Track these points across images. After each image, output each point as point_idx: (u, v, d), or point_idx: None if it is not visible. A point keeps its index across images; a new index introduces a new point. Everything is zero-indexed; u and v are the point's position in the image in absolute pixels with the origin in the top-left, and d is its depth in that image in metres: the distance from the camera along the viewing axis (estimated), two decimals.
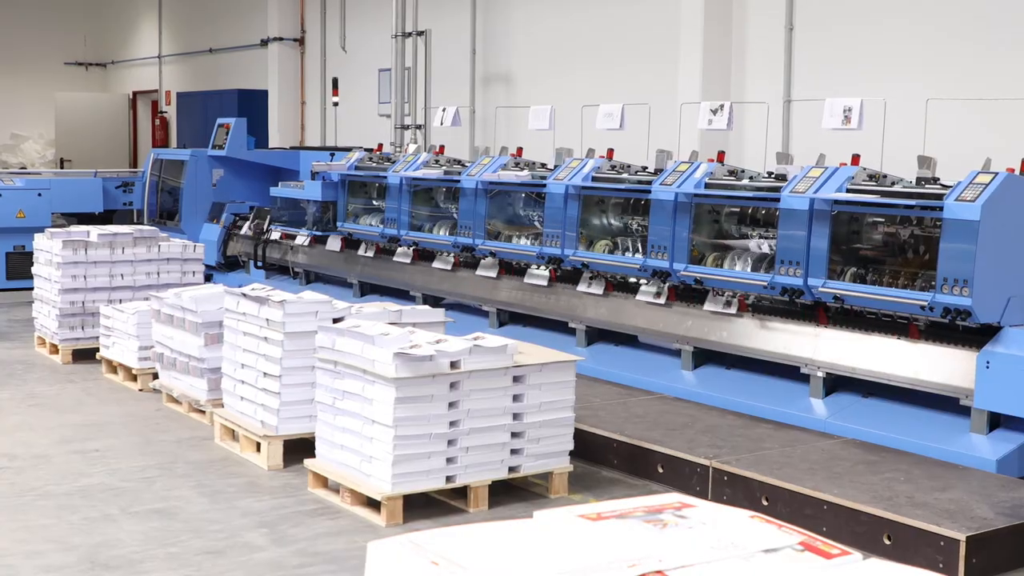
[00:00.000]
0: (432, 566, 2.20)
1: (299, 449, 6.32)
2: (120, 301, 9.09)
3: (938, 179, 6.39)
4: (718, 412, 6.96)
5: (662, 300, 7.88)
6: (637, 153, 8.88)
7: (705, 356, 7.63)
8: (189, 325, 7.38)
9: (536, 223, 9.17)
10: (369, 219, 10.90)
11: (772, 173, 7.32)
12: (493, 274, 9.33)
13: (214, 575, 4.79)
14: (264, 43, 17.91)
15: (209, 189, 13.45)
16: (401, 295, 10.20)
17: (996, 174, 6.05)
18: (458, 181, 9.51)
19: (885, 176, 6.69)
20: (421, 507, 5.57)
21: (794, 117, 10.13)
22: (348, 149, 12.28)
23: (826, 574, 2.23)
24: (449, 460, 5.54)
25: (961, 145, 8.26)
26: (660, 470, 6.17)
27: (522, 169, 9.06)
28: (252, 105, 17.67)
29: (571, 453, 5.98)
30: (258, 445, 6.49)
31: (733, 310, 7.42)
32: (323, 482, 5.94)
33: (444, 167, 9.93)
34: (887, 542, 5.03)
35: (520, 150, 9.44)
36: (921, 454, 6.03)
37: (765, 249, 7.36)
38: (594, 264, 8.26)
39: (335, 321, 6.07)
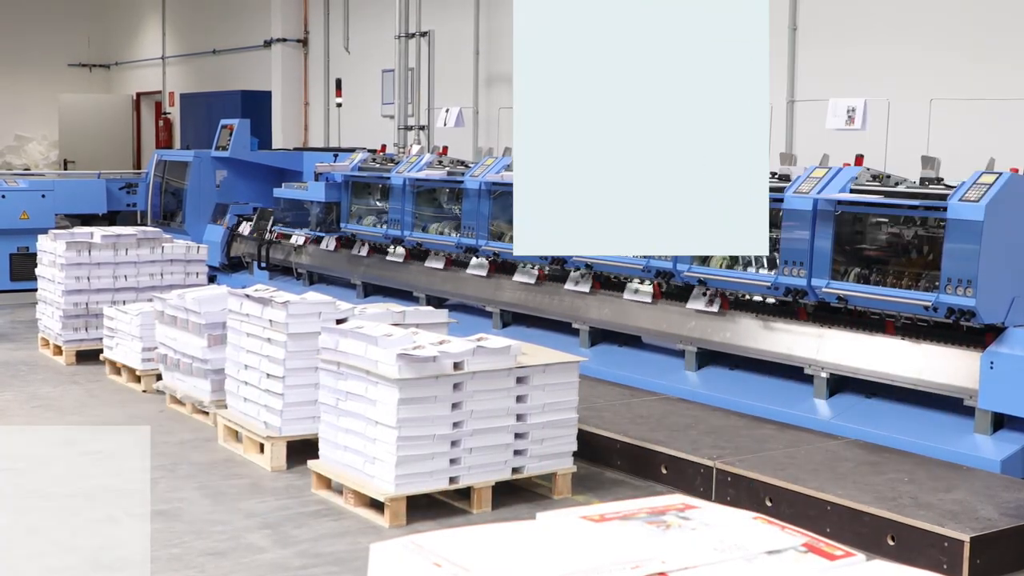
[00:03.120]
0: (434, 567, 2.20)
1: (302, 450, 6.31)
2: (124, 302, 9.09)
3: (942, 179, 6.38)
4: (722, 413, 6.95)
5: (649, 298, 7.91)
6: None
7: (708, 357, 7.62)
8: (192, 326, 7.38)
9: None
10: (372, 220, 10.91)
11: (776, 173, 7.30)
12: (483, 273, 9.35)
13: None
14: (267, 44, 17.91)
15: (213, 190, 13.44)
16: (404, 296, 10.19)
17: (1000, 174, 6.04)
18: (461, 182, 9.51)
19: (889, 176, 6.68)
20: (424, 508, 5.57)
21: (797, 117, 10.11)
22: (351, 150, 12.28)
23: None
24: (452, 461, 5.53)
25: (965, 145, 8.25)
26: (664, 471, 6.16)
27: None
28: (255, 106, 17.67)
29: (575, 454, 5.98)
30: (261, 446, 6.49)
31: (715, 308, 7.44)
32: (326, 483, 5.94)
33: (447, 168, 9.93)
34: (891, 543, 5.02)
35: None
36: (925, 455, 6.02)
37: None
38: (597, 265, 8.25)
39: (338, 322, 6.08)
